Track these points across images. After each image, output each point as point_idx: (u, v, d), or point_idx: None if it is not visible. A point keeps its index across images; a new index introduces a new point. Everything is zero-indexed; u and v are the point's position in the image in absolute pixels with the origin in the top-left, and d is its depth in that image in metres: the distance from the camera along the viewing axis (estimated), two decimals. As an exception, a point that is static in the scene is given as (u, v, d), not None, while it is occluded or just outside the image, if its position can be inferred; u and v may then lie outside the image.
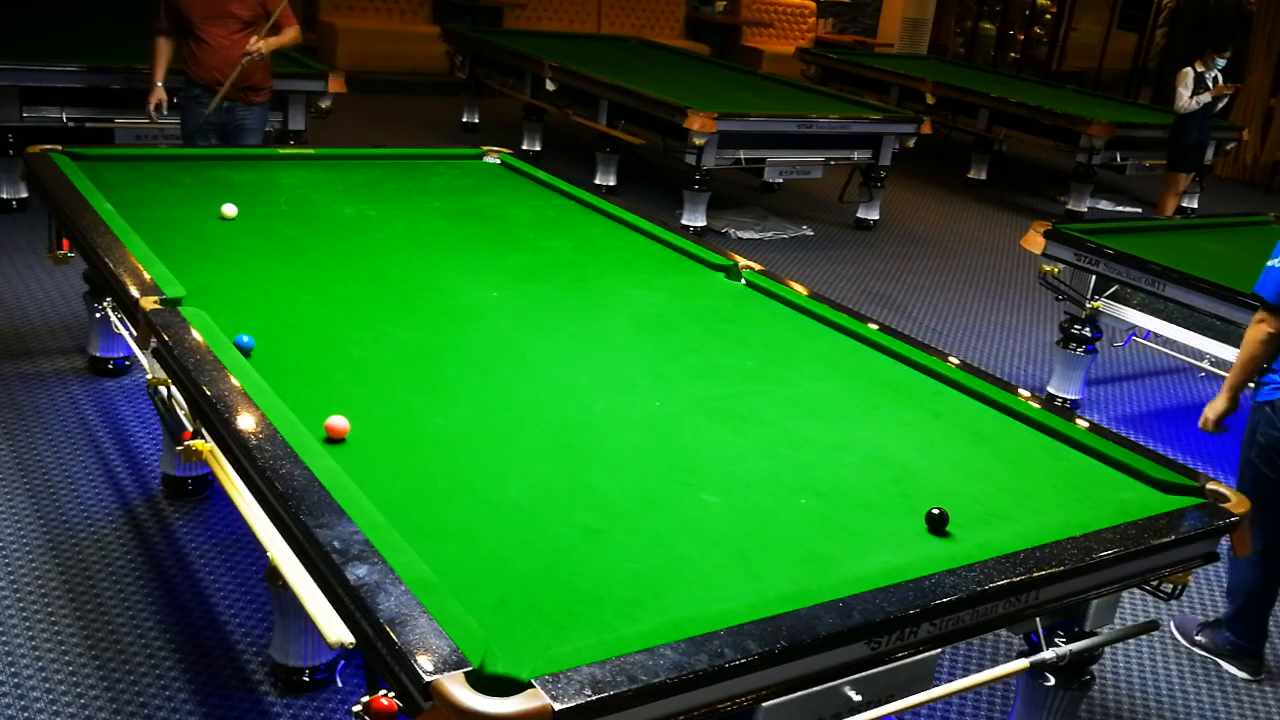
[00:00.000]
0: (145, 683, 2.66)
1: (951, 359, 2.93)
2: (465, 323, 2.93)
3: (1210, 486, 2.34)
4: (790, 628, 1.71)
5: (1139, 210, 9.15)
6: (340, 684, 2.66)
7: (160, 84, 4.93)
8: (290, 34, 4.95)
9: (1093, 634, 2.31)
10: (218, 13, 4.74)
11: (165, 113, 4.98)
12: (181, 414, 2.54)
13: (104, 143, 5.25)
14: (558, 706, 1.48)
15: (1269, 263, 3.03)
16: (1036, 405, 2.70)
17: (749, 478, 2.24)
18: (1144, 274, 4.39)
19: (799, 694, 1.75)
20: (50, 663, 2.68)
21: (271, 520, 1.98)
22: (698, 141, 6.42)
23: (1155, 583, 2.29)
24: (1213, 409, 3.21)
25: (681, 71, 8.35)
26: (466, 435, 2.30)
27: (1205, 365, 4.60)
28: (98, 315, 3.81)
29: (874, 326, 3.10)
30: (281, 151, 4.47)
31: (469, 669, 1.52)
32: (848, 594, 1.81)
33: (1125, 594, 2.46)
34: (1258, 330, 3.04)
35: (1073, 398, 4.91)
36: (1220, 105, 8.11)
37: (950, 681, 2.07)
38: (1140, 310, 4.57)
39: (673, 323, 3.10)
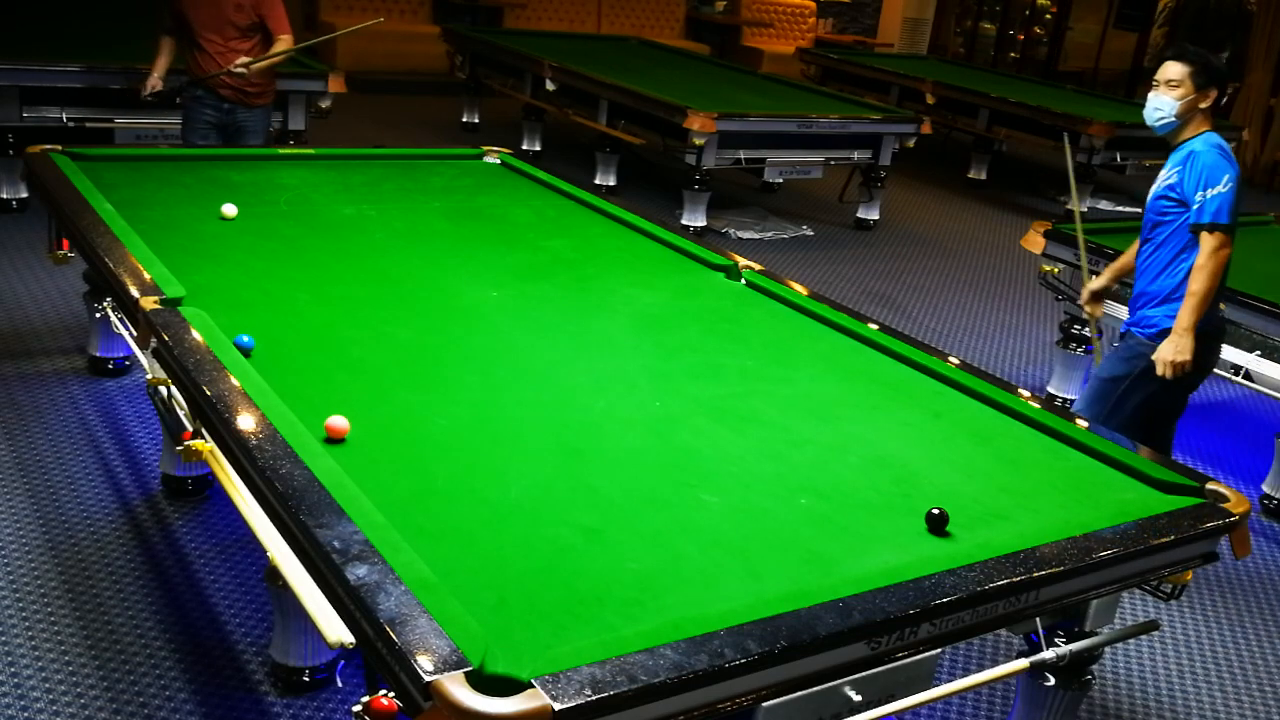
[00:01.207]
0: (145, 682, 2.66)
1: (951, 359, 2.93)
2: (465, 323, 2.93)
3: (1210, 486, 2.34)
4: (790, 628, 1.71)
5: (1139, 210, 9.13)
6: (340, 684, 2.66)
7: (157, 73, 5.01)
8: (280, 48, 4.92)
9: (1093, 634, 2.31)
10: (218, 20, 4.80)
11: (158, 90, 5.03)
12: (181, 414, 2.54)
13: (104, 143, 5.25)
14: (558, 706, 1.48)
15: (1213, 191, 3.17)
16: (1036, 405, 2.70)
17: (749, 478, 2.24)
18: (1144, 274, 4.39)
19: (799, 694, 1.75)
20: (50, 663, 2.69)
21: (271, 520, 1.98)
22: (698, 141, 6.41)
23: (1155, 583, 2.30)
24: (1180, 354, 3.25)
25: (681, 71, 8.35)
26: (466, 435, 2.30)
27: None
28: (98, 315, 3.81)
29: (874, 326, 3.10)
30: (281, 151, 4.47)
31: (469, 669, 1.52)
32: (848, 594, 1.81)
33: (1125, 594, 2.46)
34: (1222, 256, 3.21)
35: (1073, 398, 4.91)
36: (1219, 104, 8.10)
37: (950, 681, 2.06)
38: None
39: (673, 323, 3.10)
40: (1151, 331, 3.38)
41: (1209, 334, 3.33)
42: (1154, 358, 3.29)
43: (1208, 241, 3.20)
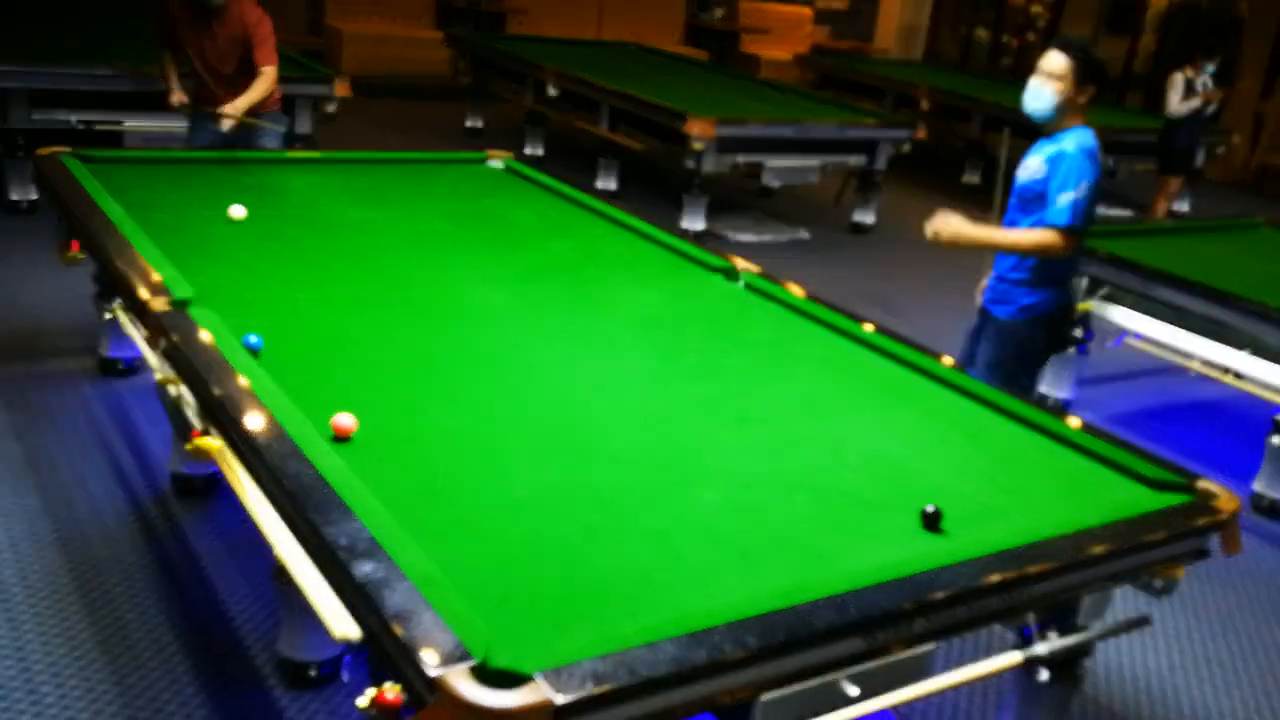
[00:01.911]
0: (155, 677, 2.70)
1: (946, 359, 2.97)
2: (469, 324, 2.97)
3: (1201, 484, 2.37)
4: (788, 622, 1.74)
5: (1130, 213, 9.19)
6: (346, 678, 2.69)
7: (178, 88, 4.84)
8: (263, 85, 4.59)
9: (1084, 629, 2.34)
10: (214, 54, 4.67)
11: (185, 103, 4.85)
12: (190, 413, 2.57)
13: (113, 145, 5.26)
14: (560, 700, 1.50)
15: (1072, 196, 3.30)
16: (1029, 405, 2.73)
17: (747, 476, 2.27)
18: (1135, 276, 4.44)
19: (796, 687, 1.77)
20: (61, 658, 2.72)
21: (279, 517, 2.01)
22: (697, 146, 6.44)
23: (1147, 579, 2.33)
24: (953, 237, 3.45)
25: (680, 77, 8.38)
26: (470, 434, 2.33)
27: (1195, 365, 4.64)
28: (107, 316, 3.83)
29: (870, 328, 3.13)
30: (288, 155, 4.50)
31: (473, 663, 1.54)
32: (844, 589, 1.83)
33: (1117, 590, 2.50)
34: (1066, 249, 3.36)
35: (1064, 397, 4.95)
36: (1210, 110, 8.15)
37: (945, 675, 2.10)
38: (1132, 311, 4.61)
39: (673, 324, 3.13)
40: (1013, 309, 3.53)
41: (1065, 307, 3.58)
42: (936, 221, 3.46)
43: (1060, 238, 3.34)
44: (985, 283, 3.74)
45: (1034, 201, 3.41)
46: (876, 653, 1.85)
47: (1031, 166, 3.43)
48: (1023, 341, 3.51)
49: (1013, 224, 3.52)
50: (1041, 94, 3.34)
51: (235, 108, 4.51)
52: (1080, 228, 3.33)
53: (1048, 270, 3.47)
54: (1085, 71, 3.30)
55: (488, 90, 8.85)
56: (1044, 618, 2.29)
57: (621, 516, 2.07)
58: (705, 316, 3.22)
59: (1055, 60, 3.31)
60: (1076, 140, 3.34)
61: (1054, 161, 3.34)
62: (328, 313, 2.91)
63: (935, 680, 2.03)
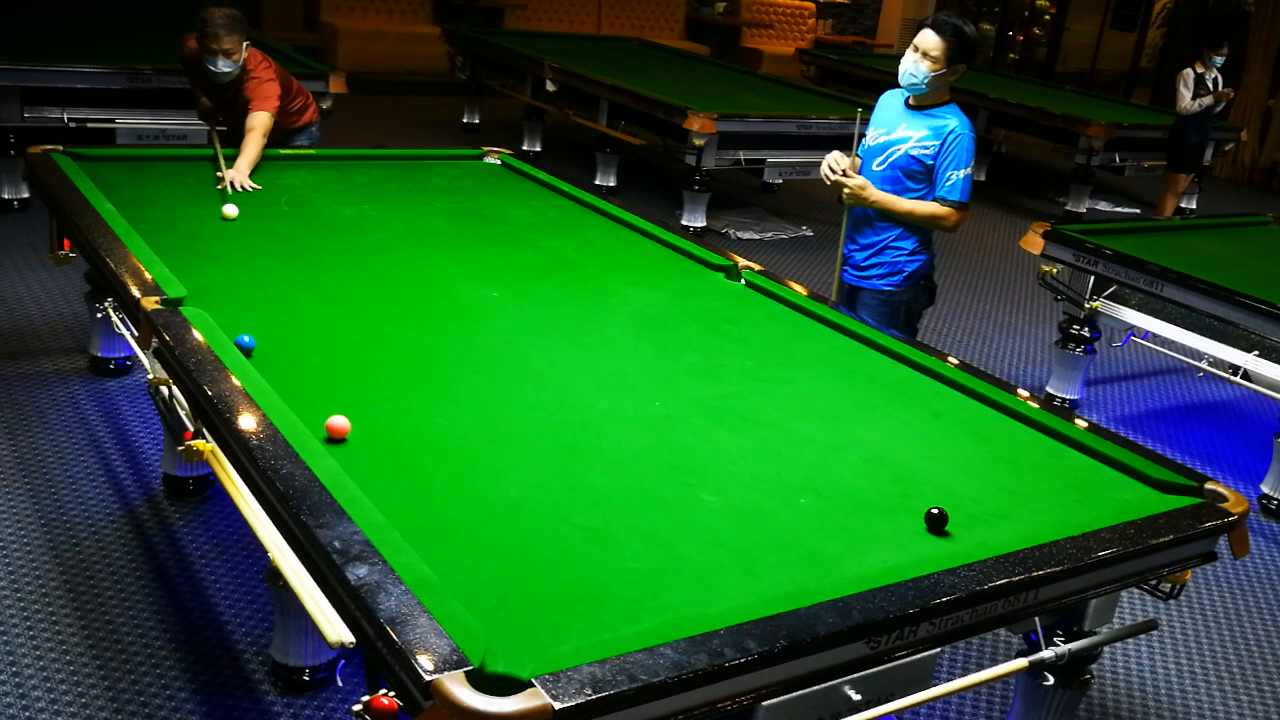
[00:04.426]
0: (146, 682, 2.67)
1: (951, 359, 2.94)
2: (466, 323, 2.94)
3: (1209, 486, 2.35)
4: (790, 627, 1.72)
5: (1138, 211, 9.16)
6: (341, 683, 2.67)
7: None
8: (254, 141, 4.10)
9: (1091, 633, 2.32)
10: (233, 117, 4.49)
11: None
12: (183, 414, 2.54)
13: (105, 143, 5.25)
14: (558, 705, 1.48)
15: (964, 172, 3.50)
16: (1035, 405, 2.70)
17: (749, 477, 2.25)
18: (1142, 274, 4.40)
19: (799, 693, 1.75)
20: (51, 662, 2.69)
21: (272, 520, 1.99)
22: (698, 142, 6.42)
23: (1154, 582, 2.30)
24: (861, 196, 3.55)
25: (681, 72, 8.35)
26: (467, 435, 2.30)
27: (1204, 365, 4.61)
28: (99, 315, 3.81)
29: (873, 326, 3.10)
30: (282, 151, 4.47)
31: (469, 668, 1.52)
32: (847, 593, 1.82)
33: (1124, 593, 2.47)
34: (950, 221, 3.55)
35: (1071, 398, 4.92)
36: (1220, 107, 8.12)
37: (950, 681, 2.07)
38: (1139, 310, 4.58)
39: (673, 323, 3.10)
40: (899, 278, 3.69)
41: (933, 262, 3.77)
42: (855, 184, 3.54)
43: (954, 213, 3.54)
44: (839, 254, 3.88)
45: (921, 174, 3.54)
46: (880, 658, 1.83)
47: (914, 139, 3.53)
48: (910, 304, 3.76)
49: (898, 194, 3.62)
50: (918, 71, 3.48)
51: (239, 172, 3.99)
52: (969, 203, 3.56)
53: (926, 236, 3.68)
54: (957, 52, 3.45)
55: (485, 86, 8.83)
56: (1050, 622, 2.27)
57: (620, 518, 2.05)
58: (706, 315, 3.19)
59: (930, 41, 3.45)
60: (961, 120, 3.51)
61: (946, 140, 3.49)
62: (322, 312, 2.88)
63: (939, 686, 2.01)
